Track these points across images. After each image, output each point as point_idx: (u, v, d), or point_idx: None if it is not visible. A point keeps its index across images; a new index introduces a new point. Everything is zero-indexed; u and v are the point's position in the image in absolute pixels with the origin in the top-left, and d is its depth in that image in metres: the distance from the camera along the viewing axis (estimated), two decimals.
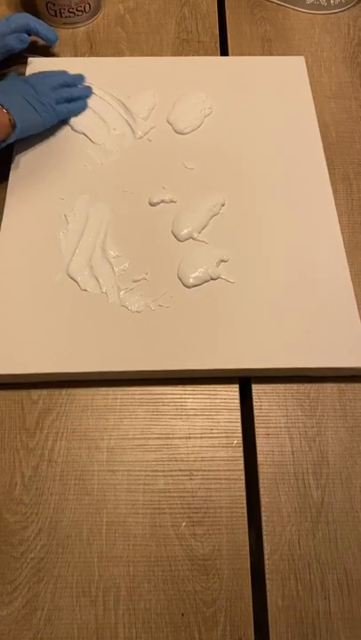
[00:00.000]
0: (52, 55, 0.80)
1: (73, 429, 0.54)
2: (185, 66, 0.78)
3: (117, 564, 0.49)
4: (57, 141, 0.70)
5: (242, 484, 0.52)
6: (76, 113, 0.71)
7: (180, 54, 0.81)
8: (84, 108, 0.72)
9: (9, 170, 0.67)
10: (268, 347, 0.56)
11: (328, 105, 0.76)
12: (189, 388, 0.56)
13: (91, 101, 0.73)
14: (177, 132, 0.71)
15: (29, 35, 0.75)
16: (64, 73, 0.72)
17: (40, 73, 0.70)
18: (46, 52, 0.81)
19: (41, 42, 0.79)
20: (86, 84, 0.74)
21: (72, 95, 0.71)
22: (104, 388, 0.56)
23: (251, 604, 0.48)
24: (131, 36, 0.83)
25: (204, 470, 0.53)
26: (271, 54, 0.82)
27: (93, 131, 0.71)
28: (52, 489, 0.52)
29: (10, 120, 0.62)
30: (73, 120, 0.71)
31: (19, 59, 0.78)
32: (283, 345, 0.57)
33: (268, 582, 0.49)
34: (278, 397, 0.56)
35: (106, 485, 0.52)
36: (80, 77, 0.74)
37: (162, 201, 0.65)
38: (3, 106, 0.61)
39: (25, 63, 0.77)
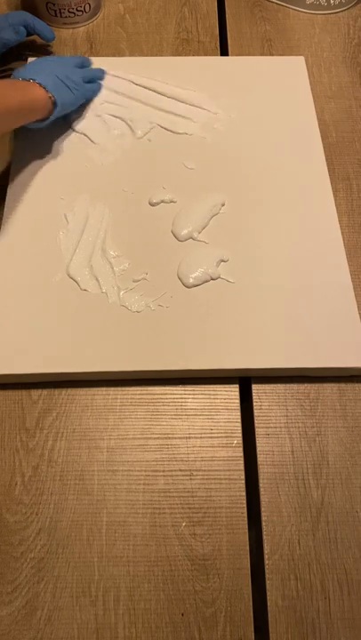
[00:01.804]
0: (53, 55, 0.80)
1: (73, 429, 0.54)
2: (185, 66, 0.78)
3: (117, 564, 0.49)
4: (57, 141, 0.70)
5: (242, 483, 0.52)
6: (97, 93, 0.73)
7: (180, 54, 0.81)
8: (100, 88, 0.74)
9: (9, 169, 0.67)
10: (268, 347, 0.56)
11: (328, 105, 0.76)
12: (189, 388, 0.56)
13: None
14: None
15: (27, 31, 0.75)
16: (78, 56, 0.74)
17: (57, 56, 0.72)
18: (47, 52, 0.81)
19: (41, 41, 0.79)
20: (98, 68, 0.75)
21: (92, 76, 0.73)
22: (104, 388, 0.56)
23: (251, 604, 0.48)
24: (131, 36, 0.83)
25: (204, 470, 0.53)
26: (271, 54, 0.82)
27: (93, 131, 0.71)
28: (52, 489, 0.52)
29: (51, 99, 0.63)
30: (73, 120, 0.71)
31: (19, 58, 0.78)
32: (283, 345, 0.57)
33: (268, 582, 0.49)
34: (278, 397, 0.56)
35: (106, 485, 0.52)
36: (88, 61, 0.75)
37: (162, 201, 0.65)
38: (43, 86, 0.62)
39: (25, 62, 0.77)
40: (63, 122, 0.71)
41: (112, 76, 0.76)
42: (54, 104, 0.64)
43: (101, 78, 0.75)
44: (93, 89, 0.73)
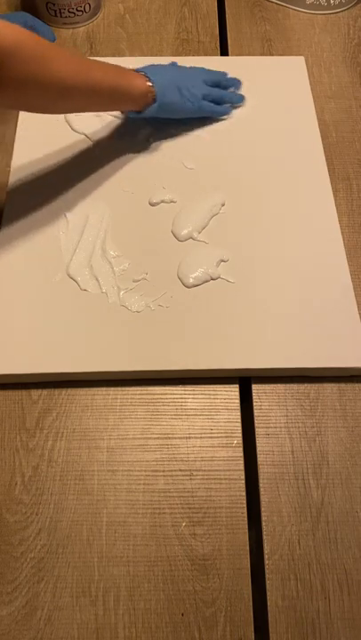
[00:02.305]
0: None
1: (73, 429, 0.54)
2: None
3: (117, 564, 0.49)
4: (57, 141, 0.70)
5: (242, 483, 0.52)
6: (219, 115, 0.73)
7: (180, 54, 0.81)
8: (227, 112, 0.73)
9: (9, 169, 0.67)
10: (268, 347, 0.56)
11: (328, 105, 0.76)
12: (189, 388, 0.56)
13: None
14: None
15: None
16: (222, 74, 0.74)
17: (201, 68, 0.72)
18: None
19: None
20: (240, 93, 0.74)
21: (221, 97, 0.72)
22: (104, 388, 0.56)
23: (251, 604, 0.48)
24: (131, 36, 0.83)
25: (204, 470, 0.53)
26: (271, 54, 0.82)
27: (93, 131, 0.71)
28: (52, 489, 0.52)
29: (151, 93, 0.63)
30: (73, 120, 0.71)
31: None
32: (283, 345, 0.57)
33: (268, 582, 0.49)
34: (278, 397, 0.56)
35: (106, 485, 0.52)
36: (236, 82, 0.75)
37: (162, 201, 0.66)
38: (149, 78, 0.63)
39: None
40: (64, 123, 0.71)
41: None
42: (154, 99, 0.64)
43: (234, 103, 0.73)
44: (213, 109, 0.71)
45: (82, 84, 0.55)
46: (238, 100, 0.74)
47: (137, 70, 0.64)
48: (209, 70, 0.72)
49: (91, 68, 0.56)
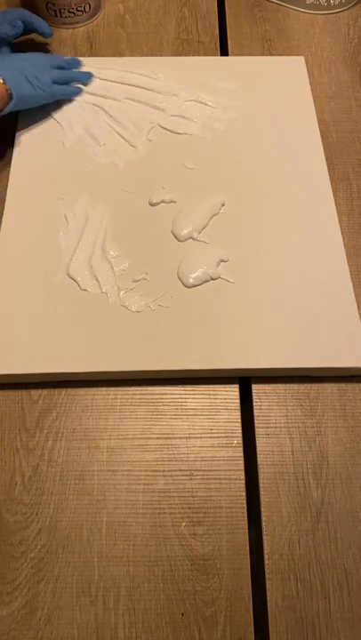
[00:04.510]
0: (37, 52, 0.80)
1: (73, 429, 0.54)
2: (185, 66, 0.78)
3: (117, 564, 0.49)
4: (57, 141, 0.70)
5: (242, 483, 0.52)
6: (71, 95, 0.73)
7: (180, 54, 0.81)
8: (79, 92, 0.74)
9: (9, 169, 0.67)
10: (268, 347, 0.56)
11: (328, 105, 0.76)
12: (189, 388, 0.56)
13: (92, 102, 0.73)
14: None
15: (25, 27, 0.75)
16: (60, 56, 0.75)
17: (38, 53, 0.73)
18: (46, 50, 0.81)
19: (40, 39, 0.79)
20: (86, 70, 0.76)
21: (69, 77, 0.73)
22: (104, 388, 0.56)
23: (251, 603, 0.48)
24: (131, 36, 0.83)
25: (204, 470, 0.53)
26: (271, 54, 0.82)
27: (94, 131, 0.71)
28: (52, 489, 0.52)
29: (7, 91, 0.64)
30: (73, 120, 0.71)
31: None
32: (283, 345, 0.57)
33: (268, 582, 0.49)
34: (278, 397, 0.56)
35: (106, 485, 0.52)
36: (76, 62, 0.76)
37: (162, 201, 0.65)
38: (2, 77, 0.63)
39: None
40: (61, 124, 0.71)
41: (111, 77, 0.76)
42: (10, 97, 0.64)
43: (82, 81, 0.75)
44: (65, 91, 0.72)
45: None
46: (87, 78, 0.75)
47: None
48: (50, 54, 0.74)
49: None
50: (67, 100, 0.73)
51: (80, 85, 0.75)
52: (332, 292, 0.60)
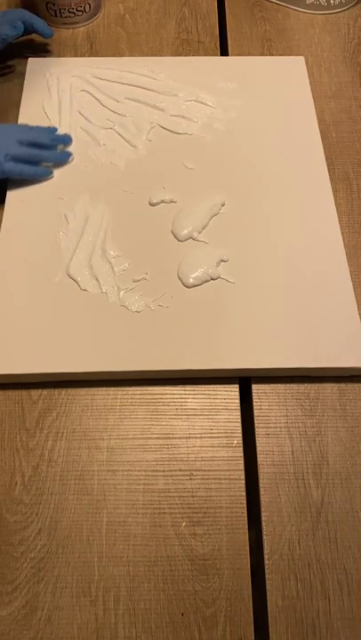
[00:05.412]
0: (53, 55, 0.80)
1: (73, 429, 0.54)
2: (185, 66, 0.78)
3: (117, 564, 0.49)
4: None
5: (242, 483, 0.52)
6: (33, 177, 0.66)
7: (180, 54, 0.81)
8: (45, 174, 0.66)
9: None
10: (269, 347, 0.56)
11: (328, 105, 0.76)
12: (189, 388, 0.56)
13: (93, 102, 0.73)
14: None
15: (25, 27, 0.75)
16: (46, 133, 0.67)
17: (11, 124, 0.68)
18: (46, 51, 0.81)
19: (40, 40, 0.79)
20: (67, 150, 0.69)
21: (38, 157, 0.66)
22: (104, 388, 0.56)
23: (251, 603, 0.48)
24: (131, 36, 0.83)
25: (204, 470, 0.53)
26: (271, 54, 0.82)
27: (94, 131, 0.71)
28: (52, 489, 0.52)
29: None
30: (73, 120, 0.71)
31: (19, 57, 0.78)
32: (283, 345, 0.57)
33: (268, 582, 0.49)
34: (278, 397, 0.56)
35: (106, 485, 0.52)
36: (67, 139, 0.69)
37: (162, 201, 0.65)
38: None
39: (26, 62, 0.77)
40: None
41: (111, 77, 0.76)
42: None
43: (60, 163, 0.67)
44: (22, 170, 0.64)
45: None
46: (63, 159, 0.67)
47: None
48: (31, 128, 0.67)
49: None
50: (65, 99, 0.73)
51: (50, 166, 0.67)
52: (332, 291, 0.60)
